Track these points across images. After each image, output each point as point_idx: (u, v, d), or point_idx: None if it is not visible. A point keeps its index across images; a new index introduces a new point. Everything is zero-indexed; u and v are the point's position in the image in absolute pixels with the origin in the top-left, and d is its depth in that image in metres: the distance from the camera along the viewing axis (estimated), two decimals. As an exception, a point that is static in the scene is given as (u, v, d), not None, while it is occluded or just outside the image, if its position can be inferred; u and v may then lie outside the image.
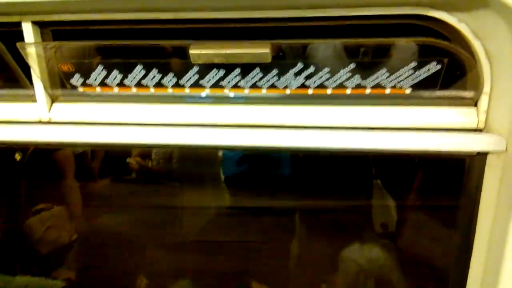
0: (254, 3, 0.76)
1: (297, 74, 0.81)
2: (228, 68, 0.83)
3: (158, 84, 0.87)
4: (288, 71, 0.81)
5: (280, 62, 0.81)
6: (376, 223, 1.37)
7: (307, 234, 1.44)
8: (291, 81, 0.83)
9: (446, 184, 1.05)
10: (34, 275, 1.43)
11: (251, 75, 0.83)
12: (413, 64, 0.76)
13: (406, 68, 0.77)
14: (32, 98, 0.94)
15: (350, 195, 1.34)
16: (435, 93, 0.81)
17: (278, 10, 0.77)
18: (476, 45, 0.73)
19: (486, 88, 0.78)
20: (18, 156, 1.38)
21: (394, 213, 1.36)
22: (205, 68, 0.84)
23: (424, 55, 0.75)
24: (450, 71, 0.76)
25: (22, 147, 1.34)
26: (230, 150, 1.56)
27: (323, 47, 0.80)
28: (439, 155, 0.85)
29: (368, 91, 0.81)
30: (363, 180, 1.36)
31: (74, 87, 0.90)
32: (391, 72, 0.78)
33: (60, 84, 0.91)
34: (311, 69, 0.80)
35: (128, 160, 1.49)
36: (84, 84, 0.89)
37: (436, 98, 0.81)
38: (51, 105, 0.94)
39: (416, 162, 1.21)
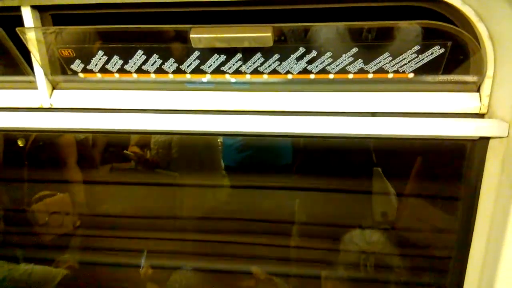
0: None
1: (299, 58, 0.81)
2: (229, 53, 0.83)
3: (159, 70, 0.86)
4: (289, 56, 0.81)
5: (282, 47, 0.80)
6: (376, 211, 1.37)
7: (306, 221, 1.44)
8: (292, 65, 0.82)
9: (447, 170, 1.05)
10: (38, 262, 1.44)
11: (252, 60, 0.83)
12: (416, 47, 0.75)
13: (409, 52, 0.76)
14: (33, 85, 0.93)
15: (350, 182, 1.34)
16: (438, 78, 0.80)
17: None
18: (480, 28, 0.73)
19: (489, 72, 0.77)
20: (21, 143, 1.38)
21: (394, 201, 1.36)
22: (206, 53, 0.83)
23: (427, 38, 0.74)
24: (453, 55, 0.76)
25: (24, 133, 1.34)
26: (231, 138, 1.56)
27: (325, 31, 0.79)
28: (440, 141, 0.85)
29: (370, 75, 0.81)
30: (364, 167, 1.36)
31: (74, 73, 0.90)
32: (394, 56, 0.77)
33: (61, 70, 0.91)
34: (313, 53, 0.80)
35: (125, 152, 1.50)
36: (84, 69, 0.89)
37: (439, 82, 0.81)
38: (51, 92, 0.94)
39: (417, 148, 1.21)
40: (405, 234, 1.31)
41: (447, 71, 0.78)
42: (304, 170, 1.45)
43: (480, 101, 0.80)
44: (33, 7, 0.84)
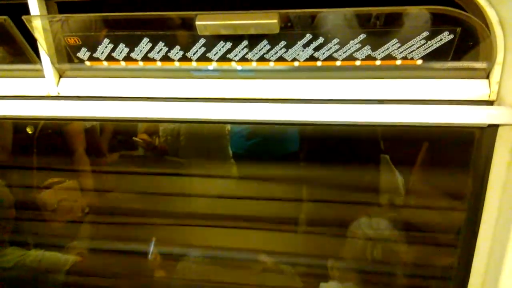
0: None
1: (306, 45, 0.80)
2: (235, 40, 0.82)
3: (165, 58, 0.86)
4: (296, 43, 0.80)
5: (288, 33, 0.79)
6: (383, 199, 1.37)
7: (314, 210, 1.45)
8: (299, 52, 0.81)
9: (455, 157, 1.05)
10: (48, 249, 1.47)
11: (258, 47, 0.82)
12: (425, 33, 0.74)
13: (417, 38, 0.75)
14: (40, 73, 0.94)
15: (358, 169, 1.34)
16: (447, 64, 0.79)
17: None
18: (490, 14, 0.71)
19: (499, 58, 0.76)
20: (29, 130, 1.39)
21: (402, 188, 1.35)
22: (212, 40, 0.83)
23: (436, 24, 0.73)
24: (463, 41, 0.74)
25: (33, 121, 1.35)
26: (238, 125, 1.56)
27: (332, 17, 0.78)
28: (449, 128, 0.84)
29: (378, 62, 0.80)
30: (371, 154, 1.36)
31: (81, 61, 0.90)
32: (402, 42, 0.76)
33: (67, 59, 0.91)
34: (320, 40, 0.79)
35: (134, 138, 1.50)
36: (91, 57, 0.89)
37: (448, 69, 0.80)
38: (58, 80, 0.94)
39: (425, 136, 1.20)
40: (412, 221, 1.31)
41: (456, 57, 0.77)
42: (311, 157, 1.45)
43: (490, 88, 0.79)
44: (39, -6, 0.84)
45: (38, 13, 0.85)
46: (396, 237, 1.30)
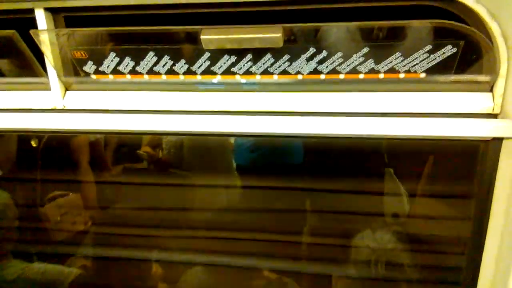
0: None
1: (309, 59, 0.81)
2: (240, 53, 0.83)
3: (170, 71, 0.87)
4: (300, 56, 0.81)
5: (292, 47, 0.80)
6: (387, 212, 1.36)
7: (318, 221, 1.44)
8: (303, 66, 0.82)
9: (460, 171, 1.04)
10: (51, 262, 1.46)
11: (262, 60, 0.83)
12: (428, 47, 0.75)
13: (420, 51, 0.76)
14: (46, 86, 0.95)
15: (361, 182, 1.33)
16: (450, 77, 0.79)
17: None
18: (493, 27, 0.72)
19: (503, 71, 0.76)
20: (34, 143, 1.40)
21: (406, 201, 1.35)
22: (217, 54, 0.84)
23: (439, 38, 0.73)
24: (466, 54, 0.75)
25: (38, 134, 1.36)
26: (242, 138, 1.56)
27: (335, 31, 0.79)
28: (453, 141, 0.84)
29: (381, 75, 0.80)
30: (375, 167, 1.35)
31: (87, 74, 0.91)
32: (405, 56, 0.77)
33: (74, 72, 0.92)
34: (324, 53, 0.79)
35: (138, 151, 1.51)
36: (97, 71, 0.90)
37: (451, 82, 0.80)
38: (64, 93, 0.95)
39: (429, 149, 1.19)
40: (417, 235, 1.30)
41: (460, 70, 0.78)
42: (314, 170, 1.44)
43: (493, 101, 0.79)
44: (46, 9, 0.86)
45: (46, 27, 0.86)
46: (400, 250, 1.29)
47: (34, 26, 0.87)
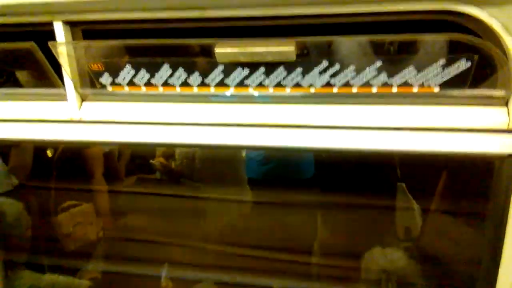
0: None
1: (322, 72, 0.81)
2: (253, 66, 0.84)
3: (184, 83, 0.88)
4: (312, 69, 0.81)
5: (305, 60, 0.80)
6: (399, 227, 1.34)
7: (329, 235, 1.42)
8: (315, 79, 0.82)
9: (474, 188, 1.03)
10: (62, 273, 1.47)
11: (275, 73, 0.83)
12: (442, 61, 0.74)
13: (434, 65, 0.75)
14: (63, 97, 0.96)
15: (374, 197, 1.32)
16: (464, 92, 0.78)
17: (303, 6, 0.77)
18: (508, 41, 0.71)
19: (518, 86, 0.75)
20: (49, 153, 1.42)
21: (418, 218, 1.33)
22: (230, 67, 0.85)
23: (453, 52, 0.73)
24: (480, 68, 0.74)
25: (53, 145, 1.38)
26: (253, 150, 1.57)
27: (348, 44, 0.79)
28: (467, 157, 0.83)
29: (394, 89, 0.80)
30: (388, 182, 1.34)
31: (103, 86, 0.93)
32: (419, 69, 0.77)
33: (90, 83, 0.94)
34: (336, 67, 0.80)
35: (151, 161, 1.52)
36: (113, 83, 0.92)
37: (465, 97, 0.79)
38: (81, 104, 0.97)
39: (443, 164, 1.18)
40: (429, 252, 1.28)
41: (474, 84, 0.77)
42: (326, 183, 1.43)
43: (509, 116, 0.78)
44: (65, 22, 0.88)
45: (64, 40, 0.88)
46: (412, 268, 1.27)
47: (52, 38, 0.89)
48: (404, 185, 1.32)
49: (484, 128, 0.80)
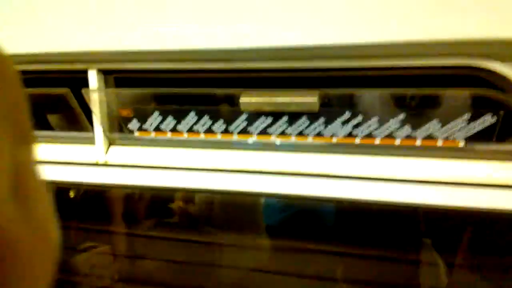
0: (303, 53, 0.78)
1: (345, 122, 0.82)
2: (276, 115, 0.85)
3: (209, 130, 0.90)
4: (335, 120, 0.82)
5: (328, 111, 0.82)
6: (424, 285, 1.28)
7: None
8: (338, 129, 0.83)
9: (504, 244, 0.98)
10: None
11: (298, 123, 0.85)
12: (467, 115, 0.74)
13: (459, 119, 0.75)
14: (91, 141, 0.99)
15: (396, 253, 1.27)
16: (490, 147, 0.77)
17: (326, 59, 0.79)
18: (533, 98, 0.71)
19: (546, 141, 0.74)
20: (72, 194, 1.45)
21: (444, 276, 1.27)
22: (254, 115, 0.87)
23: (478, 106, 0.73)
24: (506, 123, 0.74)
25: (77, 187, 1.41)
26: (273, 198, 1.55)
27: (371, 96, 0.80)
28: (495, 213, 0.80)
29: (418, 142, 0.80)
30: (411, 238, 1.30)
31: (130, 132, 0.96)
32: (443, 123, 0.76)
33: (118, 128, 0.97)
34: (359, 118, 0.80)
35: (170, 205, 1.53)
36: (140, 128, 0.94)
37: (492, 151, 0.78)
38: (108, 148, 0.99)
39: (470, 220, 1.14)
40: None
41: (500, 139, 0.76)
42: (345, 235, 1.40)
43: (538, 172, 0.76)
44: (99, 70, 0.93)
45: (97, 87, 0.92)
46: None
47: (82, 83, 0.93)
48: (429, 240, 1.28)
49: (510, 185, 0.78)
